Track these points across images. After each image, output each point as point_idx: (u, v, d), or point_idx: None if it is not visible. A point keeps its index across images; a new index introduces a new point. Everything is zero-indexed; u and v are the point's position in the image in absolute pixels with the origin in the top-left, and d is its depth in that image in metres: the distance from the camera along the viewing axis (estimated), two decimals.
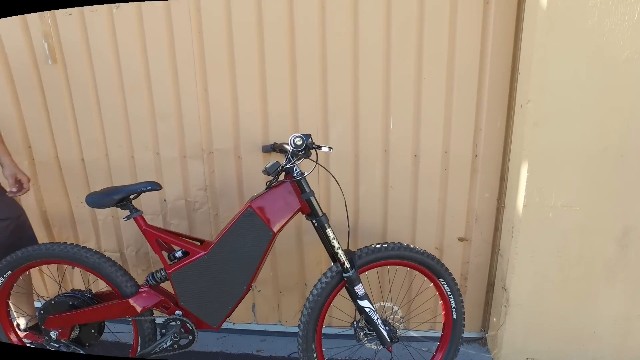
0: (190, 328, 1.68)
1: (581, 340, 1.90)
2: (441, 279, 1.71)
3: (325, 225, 1.55)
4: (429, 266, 1.69)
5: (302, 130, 1.86)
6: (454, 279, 1.72)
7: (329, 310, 1.68)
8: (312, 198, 1.53)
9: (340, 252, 1.56)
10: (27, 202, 2.08)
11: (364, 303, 1.61)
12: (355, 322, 1.70)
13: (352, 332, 1.71)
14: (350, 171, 1.90)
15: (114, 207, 1.59)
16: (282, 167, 1.51)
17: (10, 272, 1.71)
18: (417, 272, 1.72)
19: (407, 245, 1.67)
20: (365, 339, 1.70)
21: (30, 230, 1.87)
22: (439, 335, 1.80)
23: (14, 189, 1.74)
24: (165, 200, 2.02)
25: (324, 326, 1.69)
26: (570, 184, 1.69)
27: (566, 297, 1.85)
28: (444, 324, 1.78)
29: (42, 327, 1.68)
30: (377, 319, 1.63)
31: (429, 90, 1.77)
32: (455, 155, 1.85)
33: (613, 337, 1.88)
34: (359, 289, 1.59)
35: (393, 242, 1.66)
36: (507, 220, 1.84)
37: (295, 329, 2.12)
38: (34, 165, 2.06)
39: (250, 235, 1.58)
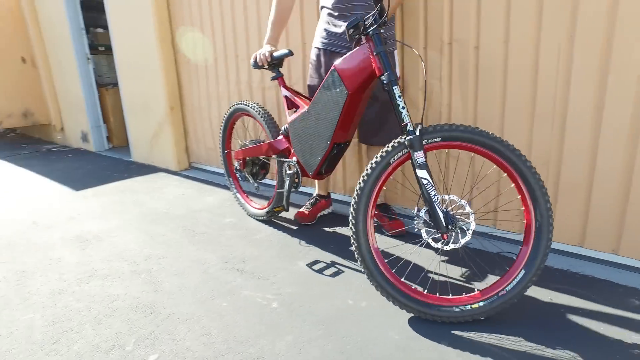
0: (298, 172, 2.07)
1: None
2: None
3: (393, 82, 1.53)
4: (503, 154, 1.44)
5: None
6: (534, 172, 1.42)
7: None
8: (382, 52, 1.54)
9: (404, 111, 1.52)
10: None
11: (422, 173, 1.50)
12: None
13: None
14: None
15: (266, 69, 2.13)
16: (363, 23, 1.58)
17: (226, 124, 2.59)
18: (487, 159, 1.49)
19: (480, 129, 1.47)
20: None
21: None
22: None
23: None
24: None
25: None
26: None
27: None
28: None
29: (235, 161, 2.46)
30: (435, 195, 1.51)
31: None
32: None
33: None
34: (419, 156, 1.50)
35: (463, 125, 1.49)
36: None
37: None
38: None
39: (332, 93, 1.78)
